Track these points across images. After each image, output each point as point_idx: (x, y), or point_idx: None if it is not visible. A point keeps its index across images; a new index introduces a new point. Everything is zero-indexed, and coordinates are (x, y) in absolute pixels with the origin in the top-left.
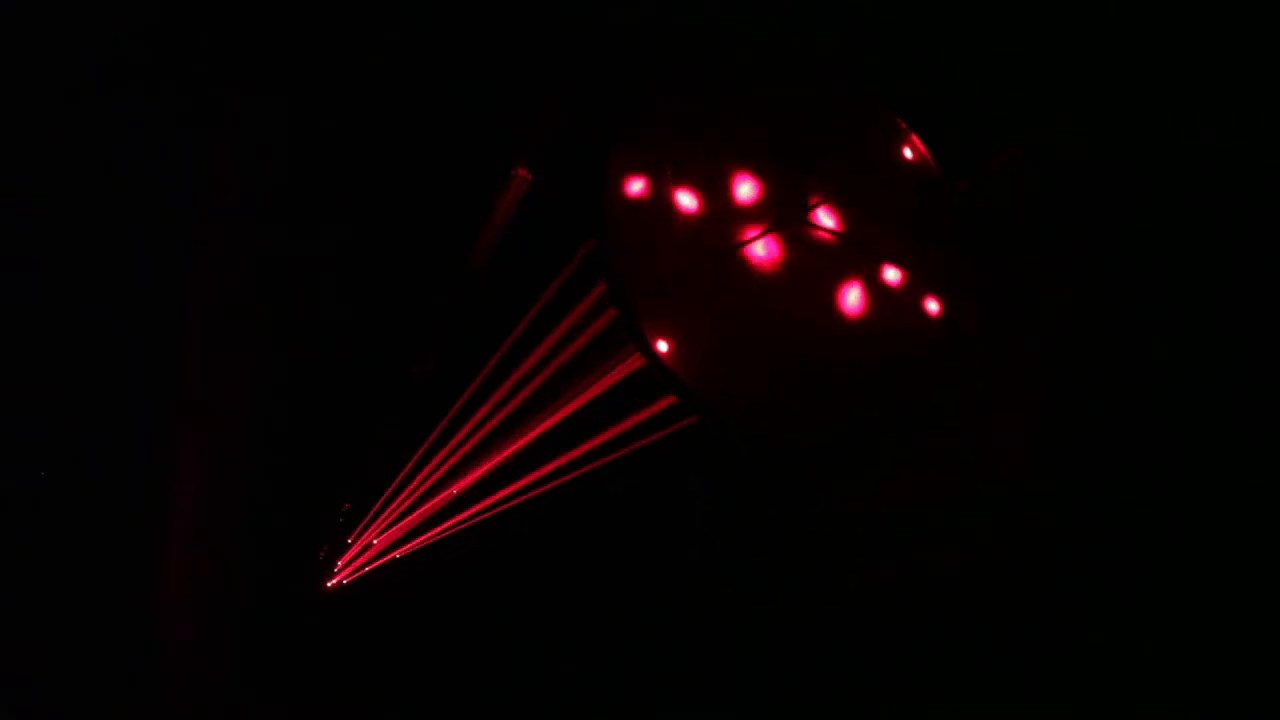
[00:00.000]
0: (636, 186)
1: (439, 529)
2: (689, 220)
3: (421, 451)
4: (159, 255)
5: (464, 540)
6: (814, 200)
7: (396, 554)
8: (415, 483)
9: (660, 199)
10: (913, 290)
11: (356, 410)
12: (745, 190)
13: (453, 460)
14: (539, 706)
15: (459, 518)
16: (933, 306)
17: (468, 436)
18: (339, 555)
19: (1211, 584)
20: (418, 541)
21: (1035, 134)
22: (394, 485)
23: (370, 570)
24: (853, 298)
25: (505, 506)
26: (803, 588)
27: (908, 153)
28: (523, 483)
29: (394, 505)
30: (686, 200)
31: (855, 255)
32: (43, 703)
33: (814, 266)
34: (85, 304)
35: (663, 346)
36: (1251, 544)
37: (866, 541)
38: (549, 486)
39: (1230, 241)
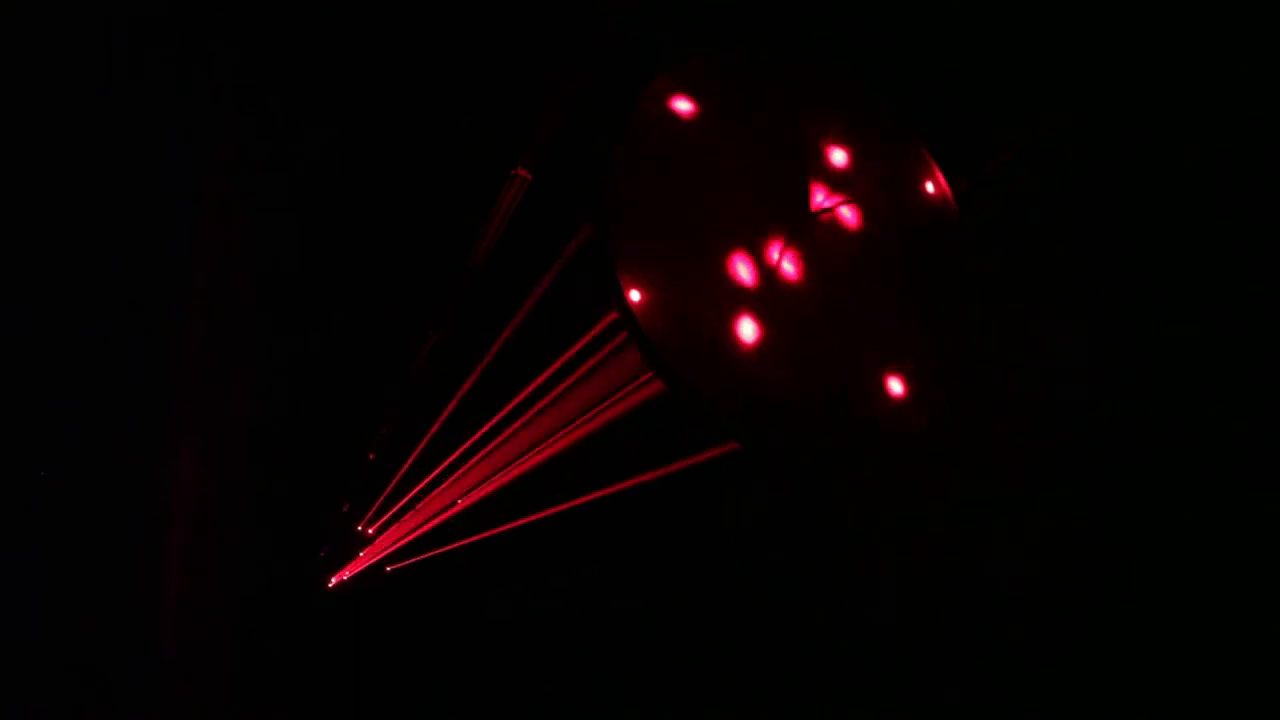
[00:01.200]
0: (685, 105)
1: (438, 529)
2: (704, 187)
3: (420, 452)
4: (159, 255)
5: (464, 543)
6: (823, 207)
7: (395, 555)
8: (415, 484)
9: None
10: (881, 361)
11: (356, 410)
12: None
13: (452, 462)
14: (539, 706)
15: (458, 508)
16: (895, 387)
17: (468, 439)
18: (339, 555)
19: (1212, 584)
20: (416, 537)
21: (1035, 134)
22: (394, 486)
23: (370, 571)
24: (838, 323)
25: (502, 506)
26: (801, 587)
27: (930, 188)
28: (517, 484)
29: (394, 506)
30: (709, 168)
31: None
32: (44, 704)
33: (813, 271)
34: (86, 304)
35: (635, 296)
36: (1252, 544)
37: (866, 541)
38: (546, 485)
39: (1231, 241)
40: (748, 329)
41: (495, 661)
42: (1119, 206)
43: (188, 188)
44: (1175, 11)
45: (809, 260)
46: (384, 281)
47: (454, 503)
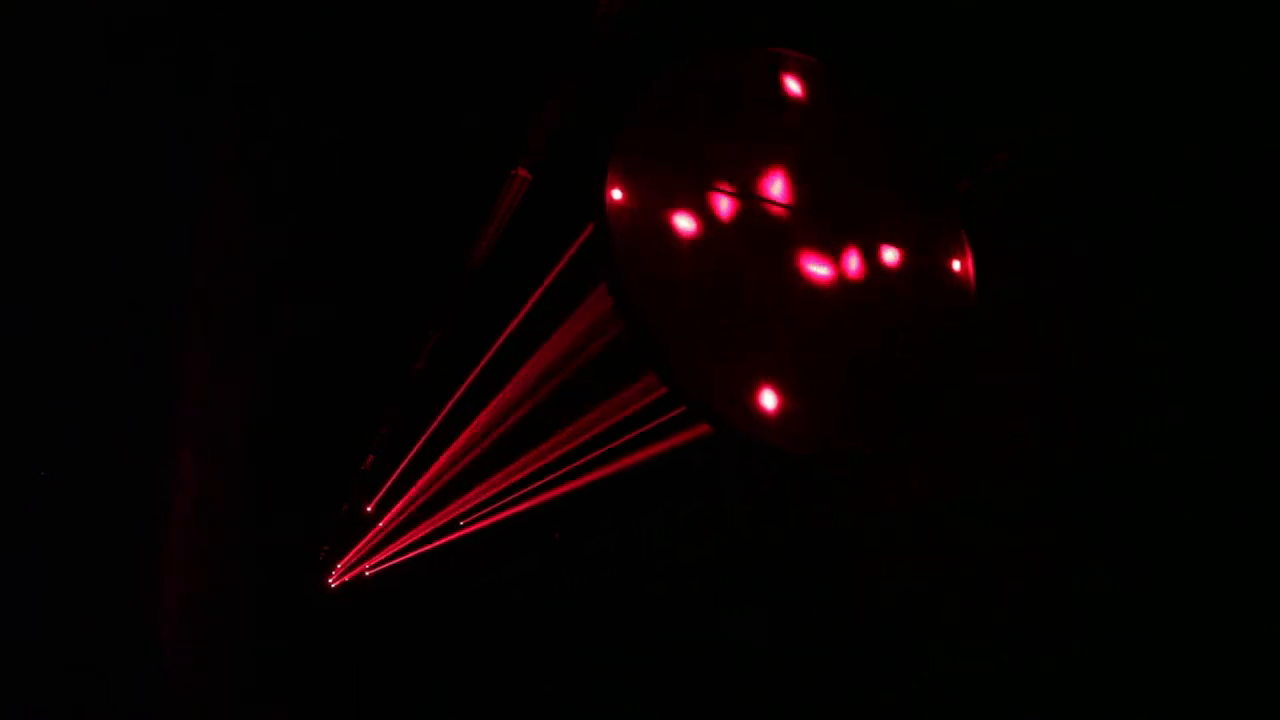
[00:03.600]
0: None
1: (437, 530)
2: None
3: (419, 453)
4: (159, 255)
5: (463, 543)
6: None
7: (396, 555)
8: (414, 484)
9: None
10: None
11: (356, 410)
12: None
13: (452, 462)
14: (539, 706)
15: (455, 507)
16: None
17: (467, 439)
18: (339, 555)
19: (1212, 584)
20: (418, 538)
21: (1035, 134)
22: (393, 485)
23: (369, 571)
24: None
25: (498, 507)
26: (801, 587)
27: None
28: (518, 483)
29: (394, 505)
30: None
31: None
32: (44, 704)
33: (806, 251)
34: (86, 304)
35: (616, 195)
36: (1253, 543)
37: (866, 541)
38: (544, 486)
39: (1231, 241)
40: (715, 275)
41: (495, 661)
42: (1119, 206)
43: (188, 188)
44: (1175, 11)
45: (803, 256)
46: (384, 281)
47: (458, 523)
